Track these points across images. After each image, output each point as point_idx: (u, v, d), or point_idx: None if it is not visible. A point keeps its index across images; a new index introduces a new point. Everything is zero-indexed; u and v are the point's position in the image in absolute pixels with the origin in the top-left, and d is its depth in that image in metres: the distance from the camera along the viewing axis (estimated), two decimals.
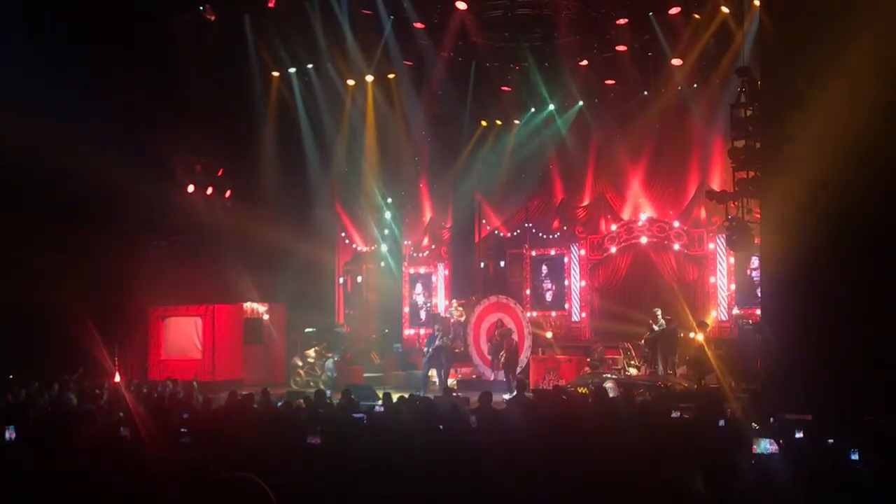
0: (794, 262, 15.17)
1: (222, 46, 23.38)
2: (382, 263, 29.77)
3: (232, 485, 4.21)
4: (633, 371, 21.62)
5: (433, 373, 22.97)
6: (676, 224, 25.60)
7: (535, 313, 26.84)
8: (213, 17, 22.50)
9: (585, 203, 27.96)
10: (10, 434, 9.17)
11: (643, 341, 21.91)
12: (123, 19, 20.83)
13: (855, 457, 8.26)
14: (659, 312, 21.92)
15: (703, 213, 25.29)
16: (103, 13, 20.50)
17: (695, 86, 25.26)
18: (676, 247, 25.44)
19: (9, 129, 19.98)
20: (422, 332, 28.03)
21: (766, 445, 8.08)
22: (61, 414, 12.37)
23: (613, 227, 26.64)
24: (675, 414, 12.24)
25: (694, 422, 11.84)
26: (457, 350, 24.73)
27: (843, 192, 14.11)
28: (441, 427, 10.86)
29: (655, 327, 21.70)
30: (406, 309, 29.50)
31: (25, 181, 20.52)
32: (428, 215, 30.08)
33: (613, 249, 26.49)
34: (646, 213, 26.45)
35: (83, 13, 20.38)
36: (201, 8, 22.38)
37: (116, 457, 9.47)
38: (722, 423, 11.09)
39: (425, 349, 23.32)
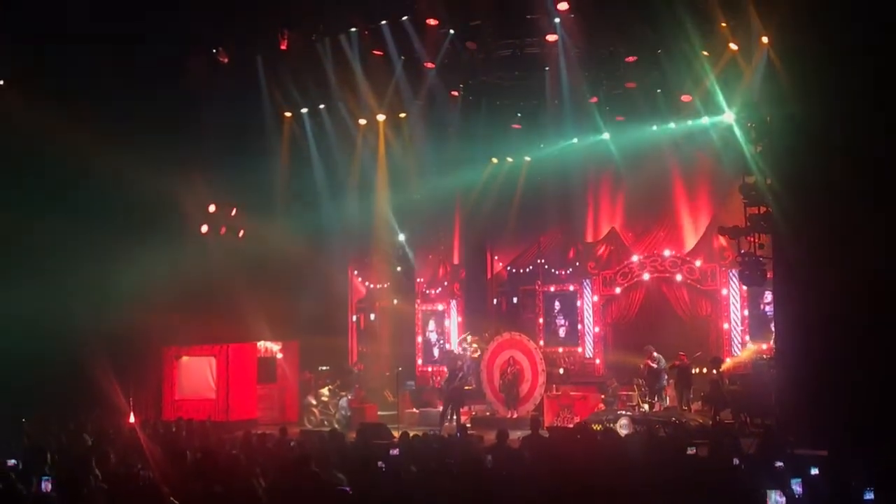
0: (807, 296, 15.21)
1: (235, 88, 23.62)
2: (395, 301, 29.81)
3: None
4: (646, 407, 21.59)
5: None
6: (688, 259, 25.59)
7: (548, 349, 26.76)
8: (226, 59, 22.74)
9: (598, 239, 28.01)
10: (45, 486, 9.16)
11: (642, 378, 22.06)
12: (137, 61, 21.11)
13: (870, 496, 8.23)
14: (653, 350, 22.09)
15: (715, 249, 25.25)
16: (117, 54, 20.78)
17: (705, 121, 25.37)
18: (689, 282, 25.41)
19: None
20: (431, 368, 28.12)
21: (775, 498, 8.05)
22: (78, 456, 12.40)
23: (626, 262, 26.63)
24: (690, 450, 12.20)
25: (709, 459, 11.80)
26: (468, 387, 24.77)
27: (857, 226, 14.17)
28: (452, 468, 10.84)
29: (653, 364, 21.81)
30: (419, 346, 29.50)
31: (38, 220, 20.69)
32: (440, 252, 30.14)
33: (626, 285, 26.45)
34: (658, 249, 26.45)
35: (99, 53, 20.66)
36: (214, 50, 22.63)
37: (133, 498, 9.52)
38: (736, 461, 11.06)
39: (445, 385, 23.45)
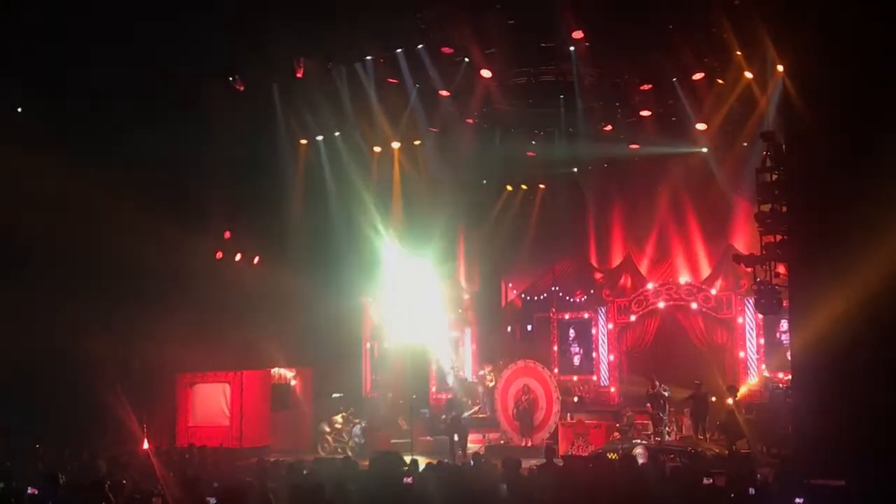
0: (824, 324, 15.07)
1: (251, 115, 23.76)
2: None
3: None
4: (668, 437, 21.46)
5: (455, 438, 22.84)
6: (704, 287, 25.49)
7: (563, 377, 26.65)
8: (242, 87, 22.88)
9: (612, 266, 27.95)
10: None
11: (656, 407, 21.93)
12: (154, 89, 21.27)
13: None
14: (654, 378, 22.05)
15: (730, 277, 25.16)
16: (132, 85, 20.94)
17: (720, 149, 25.38)
18: (704, 310, 25.30)
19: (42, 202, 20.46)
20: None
21: None
22: (92, 482, 12.38)
23: (641, 290, 26.54)
24: (707, 480, 12.07)
25: (726, 489, 11.68)
26: (483, 415, 24.63)
27: (875, 254, 14.07)
28: (466, 498, 10.77)
29: (665, 393, 21.68)
30: (433, 373, 29.37)
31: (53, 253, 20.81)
32: (454, 280, 30.08)
33: (641, 313, 26.35)
34: (673, 276, 26.37)
35: (114, 88, 20.83)
36: (231, 78, 22.77)
37: None
38: (753, 491, 10.94)
39: (443, 416, 23.29)
